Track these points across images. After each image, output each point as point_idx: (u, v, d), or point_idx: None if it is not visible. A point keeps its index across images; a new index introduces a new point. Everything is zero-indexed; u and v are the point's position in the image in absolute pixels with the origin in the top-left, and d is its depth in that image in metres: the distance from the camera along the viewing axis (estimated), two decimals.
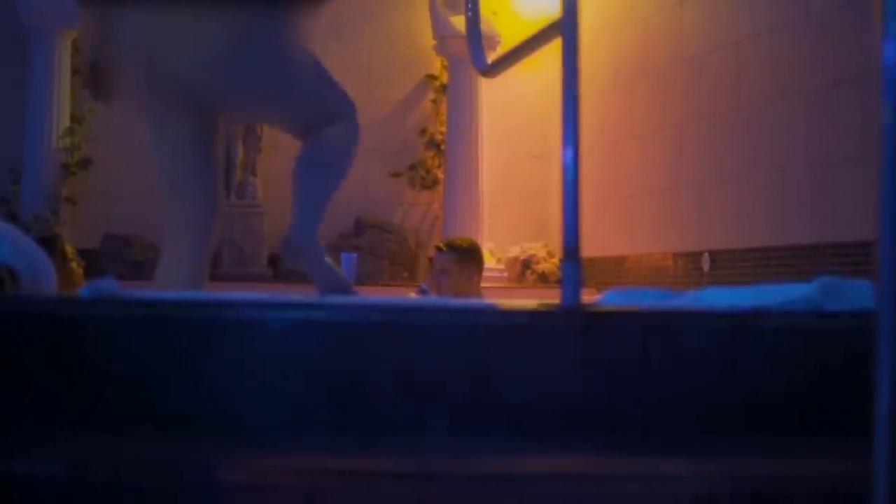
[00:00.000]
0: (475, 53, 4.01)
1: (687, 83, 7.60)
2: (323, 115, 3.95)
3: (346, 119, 3.99)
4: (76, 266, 5.28)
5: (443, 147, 9.22)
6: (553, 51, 2.44)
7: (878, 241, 1.47)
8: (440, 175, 9.26)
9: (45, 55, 8.71)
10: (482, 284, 6.49)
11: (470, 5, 4.05)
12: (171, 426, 1.98)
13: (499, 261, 8.89)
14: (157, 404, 2.00)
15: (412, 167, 9.34)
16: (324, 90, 3.95)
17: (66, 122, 8.77)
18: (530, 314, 2.13)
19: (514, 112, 9.36)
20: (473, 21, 4.06)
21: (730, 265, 7.00)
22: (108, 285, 2.25)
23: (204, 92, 3.81)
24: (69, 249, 5.33)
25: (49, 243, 5.04)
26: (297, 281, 8.25)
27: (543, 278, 8.88)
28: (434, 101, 9.33)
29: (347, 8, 4.04)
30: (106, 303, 2.13)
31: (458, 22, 7.98)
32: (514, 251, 9.09)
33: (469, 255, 6.30)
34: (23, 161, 8.65)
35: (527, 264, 9.01)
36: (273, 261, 8.64)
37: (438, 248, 6.43)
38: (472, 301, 3.88)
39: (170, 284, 3.88)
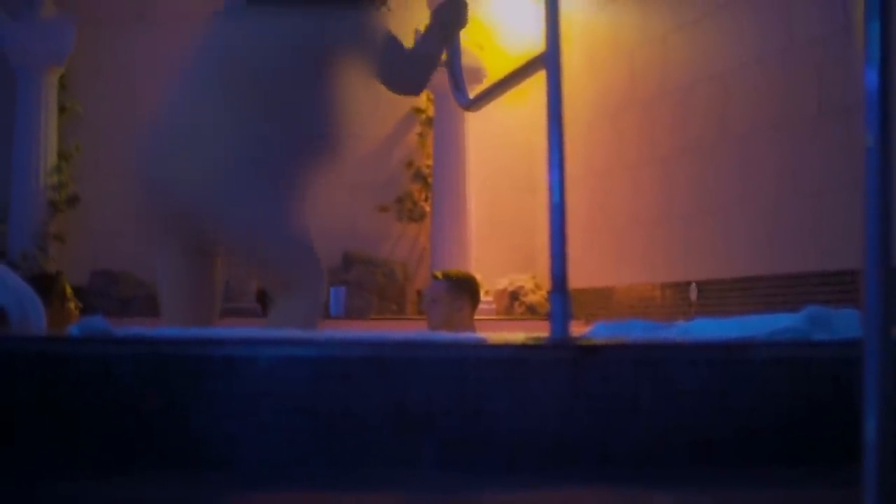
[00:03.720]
0: (456, 90, 4.02)
1: (673, 115, 7.62)
2: (289, 275, 3.97)
3: (308, 293, 3.97)
4: (73, 307, 5.29)
5: (429, 180, 9.22)
6: (540, 84, 2.45)
7: (864, 269, 1.47)
8: (427, 208, 9.25)
9: (32, 93, 8.70)
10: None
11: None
12: (162, 464, 1.98)
13: (487, 293, 8.88)
14: (147, 442, 1.99)
15: (399, 200, 9.34)
16: (299, 250, 3.97)
17: (54, 160, 8.76)
18: (519, 348, 2.13)
19: (500, 144, 9.37)
20: (454, 58, 4.08)
21: (717, 295, 7.00)
22: (98, 323, 2.25)
23: (192, 209, 3.85)
24: (69, 290, 5.33)
25: (48, 281, 5.04)
26: None
27: (532, 310, 8.88)
28: (420, 135, 9.34)
29: None
30: (95, 341, 2.13)
31: (444, 56, 7.98)
32: (502, 283, 9.09)
33: (462, 287, 6.30)
34: (10, 198, 8.64)
35: (515, 296, 9.00)
36: (261, 295, 8.64)
37: (434, 277, 6.45)
38: (462, 335, 3.89)
39: None
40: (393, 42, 4.02)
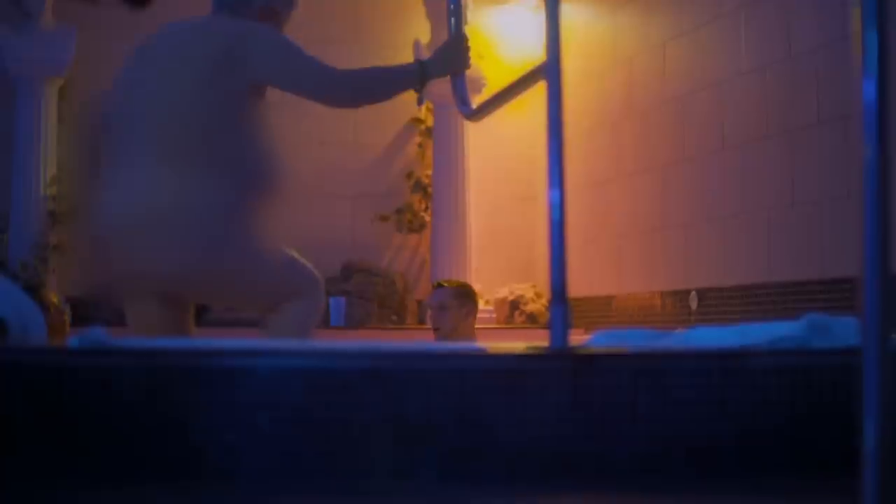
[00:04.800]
0: (459, 100, 4.03)
1: (672, 123, 7.63)
2: (283, 294, 3.99)
3: (306, 297, 3.99)
4: (58, 315, 5.25)
5: (429, 190, 9.21)
6: (539, 94, 2.45)
7: (863, 277, 1.47)
8: (427, 218, 9.25)
9: (32, 103, 8.70)
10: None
11: (452, 20, 4.07)
12: (161, 475, 1.98)
13: (487, 302, 8.88)
14: (147, 453, 1.99)
15: (399, 211, 9.33)
16: (286, 269, 3.99)
17: (54, 170, 8.76)
18: (519, 358, 2.13)
19: (500, 154, 9.37)
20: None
21: (717, 303, 7.01)
22: (98, 334, 2.25)
23: (163, 277, 3.86)
24: (55, 300, 5.30)
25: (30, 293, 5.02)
26: None
27: (532, 319, 8.88)
28: (420, 145, 9.34)
29: (330, 53, 4.06)
30: (96, 352, 2.13)
31: None
32: (503, 293, 9.09)
33: (466, 294, 6.33)
34: (10, 209, 8.64)
35: (515, 305, 9.00)
36: None
37: (438, 285, 6.46)
38: (462, 345, 3.88)
39: None
40: (300, 54, 3.97)
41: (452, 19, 4.08)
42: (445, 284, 6.43)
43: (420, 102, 4.30)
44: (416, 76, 4.05)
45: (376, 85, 4.14)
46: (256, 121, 3.97)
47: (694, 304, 7.23)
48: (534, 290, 9.06)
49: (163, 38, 4.08)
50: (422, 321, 8.79)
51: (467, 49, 4.05)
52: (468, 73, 4.10)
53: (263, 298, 4.01)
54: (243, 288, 3.97)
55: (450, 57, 4.04)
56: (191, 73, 3.88)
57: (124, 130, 3.94)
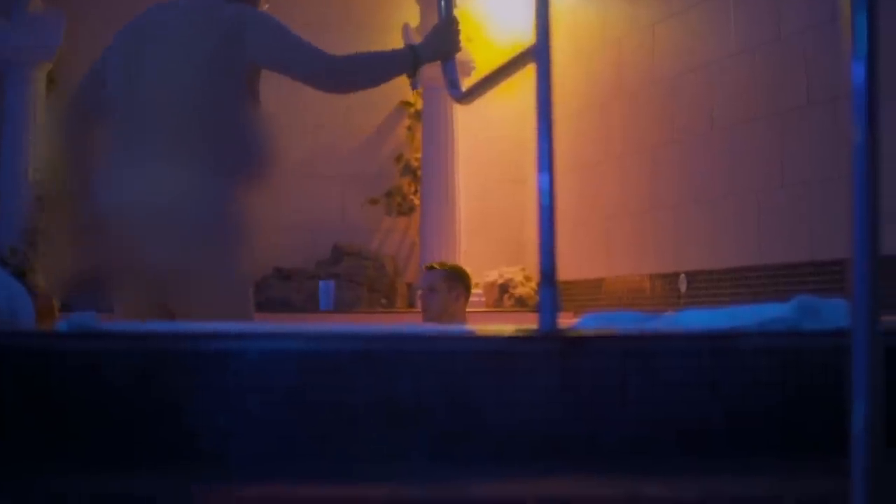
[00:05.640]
0: (449, 83, 4.02)
1: (661, 105, 7.63)
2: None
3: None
4: (46, 300, 5.25)
5: (419, 173, 9.22)
6: (528, 76, 2.45)
7: (852, 259, 1.48)
8: (416, 201, 9.26)
9: (20, 89, 8.69)
10: None
11: (442, 3, 4.07)
12: (152, 459, 1.98)
13: (476, 285, 8.88)
14: (138, 437, 1.99)
15: (388, 194, 9.34)
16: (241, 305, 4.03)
17: (42, 155, 8.74)
18: (508, 340, 2.13)
19: (489, 137, 9.37)
20: None
21: (707, 286, 7.02)
22: (88, 319, 2.25)
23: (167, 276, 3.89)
24: (41, 285, 5.30)
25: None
26: (278, 310, 8.26)
27: (521, 302, 8.88)
28: (409, 128, 9.34)
29: (320, 37, 4.06)
30: (85, 336, 2.13)
31: None
32: (492, 276, 9.10)
33: (457, 276, 6.33)
34: None
35: (504, 289, 9.01)
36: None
37: (429, 268, 6.47)
38: (451, 327, 3.87)
39: None
40: (293, 37, 4.00)
41: (442, 2, 4.08)
42: (437, 267, 6.43)
43: (414, 87, 4.31)
44: (408, 61, 4.06)
45: (369, 71, 4.15)
46: (256, 107, 4.00)
47: (683, 287, 7.24)
48: (523, 274, 9.08)
49: (158, 21, 4.04)
50: (412, 304, 8.81)
51: (458, 32, 4.05)
52: (458, 56, 4.10)
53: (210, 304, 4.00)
54: (210, 291, 3.95)
55: (440, 40, 4.04)
56: (194, 60, 3.89)
57: (127, 117, 3.94)
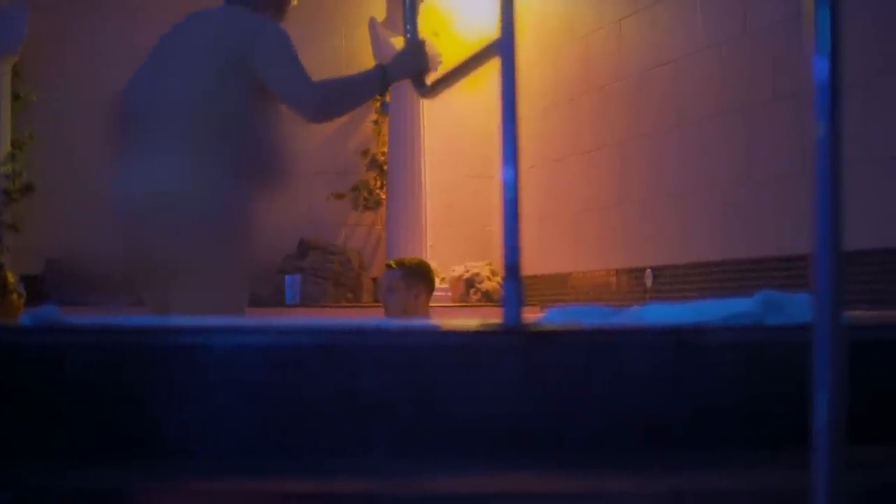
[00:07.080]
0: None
1: (628, 100, 7.64)
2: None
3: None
4: (16, 298, 5.24)
5: (385, 168, 9.21)
6: (495, 71, 2.45)
7: (814, 254, 1.48)
8: (383, 196, 9.25)
9: None
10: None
11: (409, 27, 4.08)
12: (118, 453, 1.97)
13: (442, 280, 8.88)
14: (103, 431, 1.99)
15: (355, 188, 9.33)
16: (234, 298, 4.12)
17: (7, 149, 8.69)
18: (473, 335, 2.13)
19: (456, 132, 9.37)
20: None
21: (673, 281, 7.03)
22: (50, 312, 2.24)
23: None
24: (11, 280, 5.29)
25: None
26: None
27: (487, 297, 8.88)
28: (376, 122, 9.33)
29: (288, 31, 4.07)
30: (48, 330, 2.12)
31: (399, 43, 7.98)
32: (458, 270, 9.10)
33: (417, 274, 6.30)
34: None
35: (470, 283, 9.01)
36: None
37: (388, 266, 6.45)
38: (415, 322, 3.88)
39: None
40: (294, 62, 4.06)
41: (408, 25, 4.11)
42: (393, 265, 6.39)
43: (384, 108, 4.48)
44: (378, 82, 4.18)
45: (346, 101, 4.32)
46: (266, 112, 4.15)
47: (649, 282, 7.25)
48: (489, 269, 9.08)
49: (182, 30, 4.21)
50: (377, 299, 8.79)
51: (425, 53, 4.11)
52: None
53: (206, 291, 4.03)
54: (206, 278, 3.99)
55: (409, 60, 4.10)
56: (206, 67, 4.04)
57: (142, 118, 4.07)
